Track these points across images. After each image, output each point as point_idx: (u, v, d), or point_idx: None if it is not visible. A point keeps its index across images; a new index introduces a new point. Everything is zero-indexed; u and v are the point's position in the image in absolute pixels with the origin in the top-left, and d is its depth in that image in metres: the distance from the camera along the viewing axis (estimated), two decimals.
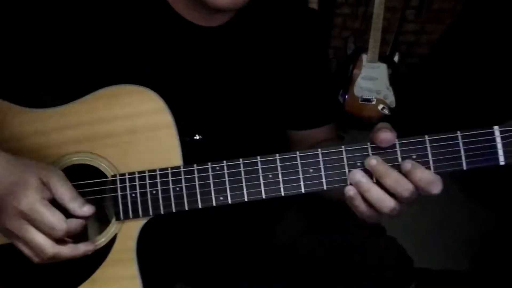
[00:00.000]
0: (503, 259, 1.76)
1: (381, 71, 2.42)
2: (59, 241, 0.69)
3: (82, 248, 0.71)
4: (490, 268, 1.80)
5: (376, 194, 0.66)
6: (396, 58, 2.50)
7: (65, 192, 0.69)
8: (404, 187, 0.65)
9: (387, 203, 0.66)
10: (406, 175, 0.66)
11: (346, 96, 2.46)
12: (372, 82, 2.42)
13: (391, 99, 2.40)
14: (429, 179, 0.65)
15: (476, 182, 2.12)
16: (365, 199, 0.67)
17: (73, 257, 0.71)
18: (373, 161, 0.67)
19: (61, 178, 0.70)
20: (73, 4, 0.79)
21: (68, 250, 0.70)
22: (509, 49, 2.10)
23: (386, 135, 0.66)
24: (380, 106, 2.41)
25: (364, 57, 2.43)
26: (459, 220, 2.03)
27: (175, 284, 0.96)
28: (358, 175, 0.67)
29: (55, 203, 0.69)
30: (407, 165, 0.65)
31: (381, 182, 0.66)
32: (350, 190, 0.67)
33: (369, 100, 2.42)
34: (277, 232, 1.08)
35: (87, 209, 0.70)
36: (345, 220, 0.81)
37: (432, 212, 2.07)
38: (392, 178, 0.66)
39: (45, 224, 0.66)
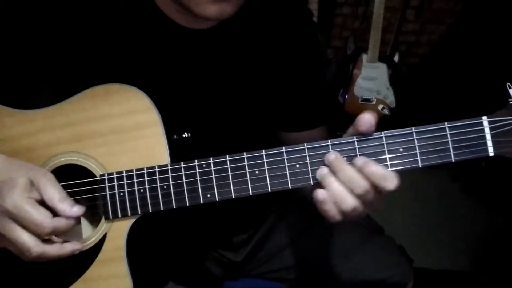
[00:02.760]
0: (503, 259, 1.75)
1: (381, 71, 2.41)
2: (46, 240, 0.69)
3: (69, 248, 0.71)
4: (490, 268, 1.79)
5: (337, 190, 0.65)
6: (396, 58, 2.49)
7: (54, 193, 0.69)
8: (357, 184, 0.64)
9: (346, 199, 0.65)
10: (359, 171, 0.65)
11: (346, 96, 2.45)
12: (372, 82, 2.41)
13: (391, 99, 2.39)
14: (382, 174, 0.63)
15: (477, 182, 2.11)
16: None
17: (60, 257, 0.70)
18: (332, 156, 0.66)
19: (50, 180, 0.70)
20: (67, 5, 0.79)
21: (55, 250, 0.69)
22: (509, 49, 2.09)
23: (364, 116, 0.65)
24: (380, 106, 2.40)
25: (364, 57, 2.42)
26: (459, 220, 2.02)
27: (167, 283, 0.96)
28: (325, 170, 0.66)
29: (44, 206, 0.69)
30: (359, 161, 0.65)
31: (336, 177, 0.66)
32: (319, 195, 0.66)
33: (369, 100, 2.42)
34: (275, 233, 1.07)
35: (76, 210, 0.70)
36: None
37: (432, 211, 2.06)
38: (346, 173, 0.65)
39: (31, 221, 0.66)
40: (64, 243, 0.71)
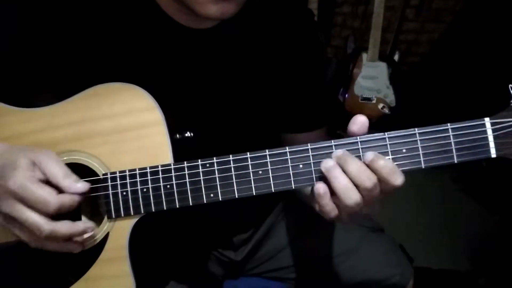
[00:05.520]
0: (503, 259, 1.76)
1: (381, 70, 2.41)
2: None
3: (81, 226, 0.70)
4: (490, 268, 1.79)
5: (344, 183, 0.65)
6: (396, 57, 2.49)
7: (57, 170, 0.69)
8: (366, 176, 0.64)
9: (352, 194, 0.65)
10: (369, 165, 0.65)
11: (346, 95, 2.45)
12: (372, 81, 2.41)
13: (391, 98, 2.40)
14: (392, 168, 0.64)
15: (477, 182, 2.11)
16: (332, 190, 0.66)
17: (72, 235, 0.70)
18: (340, 152, 0.66)
19: (52, 157, 0.70)
20: (69, 5, 0.79)
21: (66, 227, 0.69)
22: (509, 48, 2.10)
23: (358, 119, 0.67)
24: (380, 105, 2.41)
25: (364, 56, 2.42)
26: (459, 219, 2.03)
27: (168, 282, 0.96)
28: (331, 162, 0.66)
29: (49, 185, 0.69)
30: (369, 154, 0.65)
31: (344, 170, 0.65)
32: (320, 188, 0.66)
33: (369, 99, 2.42)
34: (275, 232, 1.08)
35: (81, 185, 0.70)
36: None
37: (432, 211, 2.06)
38: (355, 165, 0.65)
39: (37, 199, 0.66)
40: (76, 221, 0.70)
